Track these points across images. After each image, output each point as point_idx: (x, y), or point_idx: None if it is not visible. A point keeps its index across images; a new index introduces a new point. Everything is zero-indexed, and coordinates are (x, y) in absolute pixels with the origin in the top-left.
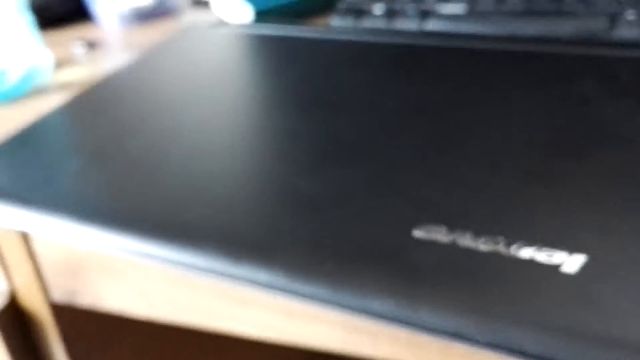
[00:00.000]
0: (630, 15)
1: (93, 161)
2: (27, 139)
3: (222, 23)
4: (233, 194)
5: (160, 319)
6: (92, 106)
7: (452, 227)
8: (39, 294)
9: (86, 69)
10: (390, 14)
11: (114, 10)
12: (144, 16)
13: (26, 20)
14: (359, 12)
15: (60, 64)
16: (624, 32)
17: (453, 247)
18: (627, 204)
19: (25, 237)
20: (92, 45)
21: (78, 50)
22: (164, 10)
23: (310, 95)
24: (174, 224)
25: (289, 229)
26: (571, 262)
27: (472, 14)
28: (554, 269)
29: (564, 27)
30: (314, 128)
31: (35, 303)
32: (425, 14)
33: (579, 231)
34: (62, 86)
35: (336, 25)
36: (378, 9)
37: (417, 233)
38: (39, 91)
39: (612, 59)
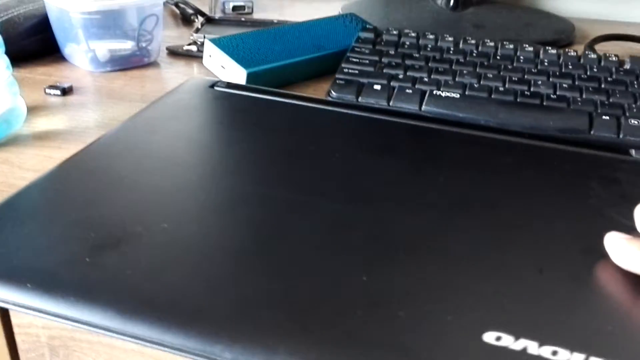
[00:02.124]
0: (604, 116)
1: (87, 237)
2: (11, 209)
3: (217, 82)
4: (300, 289)
5: None
6: (86, 173)
7: (518, 335)
8: None
9: (62, 118)
10: (387, 91)
11: (91, 53)
12: (120, 61)
13: (4, 61)
14: (357, 86)
15: (33, 109)
16: (600, 133)
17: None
18: None
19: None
20: (66, 90)
21: (52, 94)
22: (139, 57)
23: (332, 180)
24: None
25: (361, 330)
26: None
27: (466, 98)
28: None
29: (549, 122)
30: (357, 217)
31: None
32: (422, 95)
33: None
34: (37, 136)
35: (335, 96)
36: (376, 85)
37: (487, 337)
38: (14, 139)
39: (605, 159)
